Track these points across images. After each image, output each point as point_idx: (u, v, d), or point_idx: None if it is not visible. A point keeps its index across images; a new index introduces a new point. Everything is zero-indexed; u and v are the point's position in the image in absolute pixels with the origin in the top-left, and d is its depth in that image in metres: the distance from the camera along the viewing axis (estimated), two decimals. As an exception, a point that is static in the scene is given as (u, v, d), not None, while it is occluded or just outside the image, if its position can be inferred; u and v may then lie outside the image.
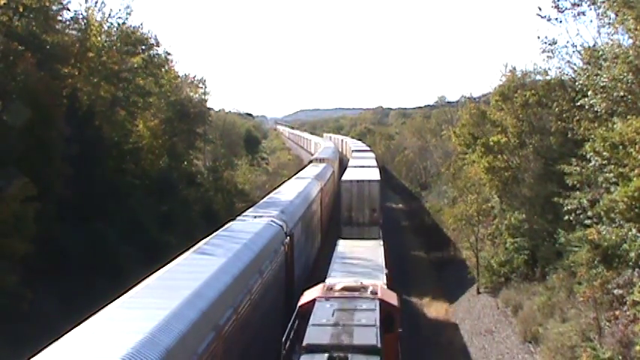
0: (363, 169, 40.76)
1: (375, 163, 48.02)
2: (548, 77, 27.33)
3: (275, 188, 36.14)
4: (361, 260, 22.37)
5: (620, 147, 17.40)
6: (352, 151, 67.98)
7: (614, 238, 17.97)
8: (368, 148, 73.04)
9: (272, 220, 21.96)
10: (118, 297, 12.17)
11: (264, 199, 29.33)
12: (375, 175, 36.77)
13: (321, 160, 51.89)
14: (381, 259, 22.46)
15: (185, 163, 42.98)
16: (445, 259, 38.25)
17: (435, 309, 29.61)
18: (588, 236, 18.94)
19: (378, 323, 13.93)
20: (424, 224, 47.38)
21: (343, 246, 25.48)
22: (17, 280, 17.48)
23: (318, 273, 27.55)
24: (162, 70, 38.31)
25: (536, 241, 25.69)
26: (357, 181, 33.22)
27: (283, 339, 14.69)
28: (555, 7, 23.45)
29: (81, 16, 30.92)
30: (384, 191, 42.32)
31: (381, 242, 26.37)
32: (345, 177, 35.45)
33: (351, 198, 32.43)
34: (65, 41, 28.11)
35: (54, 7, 26.91)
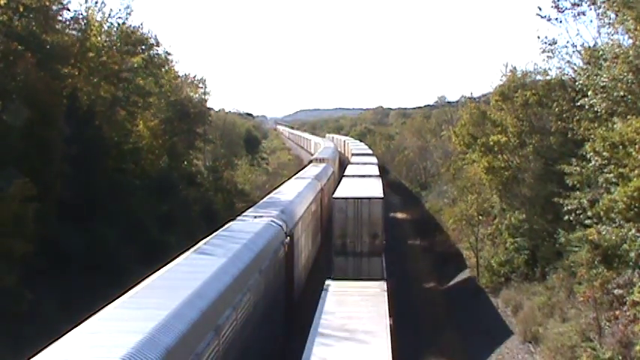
0: (363, 180, 34.06)
1: (376, 171, 40.10)
2: (548, 77, 27.37)
3: (275, 188, 36.11)
4: (353, 327, 15.28)
5: (620, 147, 17.41)
6: (352, 154, 60.18)
7: (614, 238, 17.98)
8: (369, 151, 65.89)
9: (272, 220, 21.96)
10: (118, 297, 12.16)
11: (264, 199, 29.31)
12: (376, 189, 29.82)
13: (321, 160, 51.90)
14: (384, 335, 14.64)
15: (185, 163, 42.96)
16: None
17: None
18: (588, 236, 18.96)
19: None
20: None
21: (332, 295, 18.16)
22: (17, 280, 17.49)
23: (317, 274, 27.58)
24: (163, 70, 38.31)
25: (536, 241, 25.72)
26: (355, 199, 26.34)
27: None
28: (555, 7, 23.50)
29: (81, 16, 30.91)
30: (387, 200, 35.86)
31: (384, 287, 19.29)
32: (338, 193, 28.34)
33: (346, 220, 25.76)
34: (65, 41, 28.10)
35: (54, 7, 26.91)
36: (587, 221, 19.77)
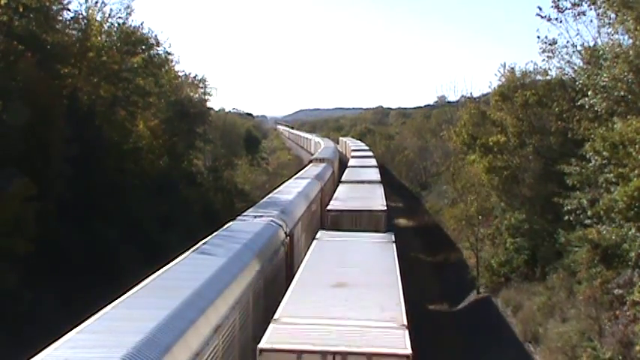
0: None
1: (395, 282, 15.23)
2: (548, 77, 27.38)
3: (275, 188, 36.08)
4: None
5: (620, 147, 17.43)
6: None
7: (614, 237, 17.99)
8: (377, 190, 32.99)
9: (272, 220, 21.94)
10: (118, 297, 12.16)
11: (264, 199, 29.28)
12: None
13: (321, 160, 51.85)
14: None
15: (185, 163, 42.98)
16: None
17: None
18: (588, 235, 18.96)
19: None
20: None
21: None
22: (17, 280, 17.49)
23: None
24: (163, 70, 38.33)
25: (536, 241, 25.70)
26: None
27: None
28: (555, 7, 23.53)
29: (81, 16, 30.96)
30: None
31: None
32: None
33: None
34: (65, 41, 28.15)
35: (54, 7, 26.95)
36: (587, 221, 19.77)
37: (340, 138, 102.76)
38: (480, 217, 30.71)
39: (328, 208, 25.04)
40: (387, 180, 60.12)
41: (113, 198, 26.67)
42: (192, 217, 35.88)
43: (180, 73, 44.51)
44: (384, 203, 26.04)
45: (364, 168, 46.52)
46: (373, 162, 54.11)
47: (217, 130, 57.57)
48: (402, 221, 50.22)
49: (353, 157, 61.05)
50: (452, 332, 25.92)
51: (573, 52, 23.80)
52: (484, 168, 28.40)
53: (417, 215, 51.63)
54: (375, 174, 41.98)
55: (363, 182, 35.93)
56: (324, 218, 25.87)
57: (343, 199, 28.85)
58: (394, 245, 18.36)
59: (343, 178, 38.62)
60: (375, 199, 28.04)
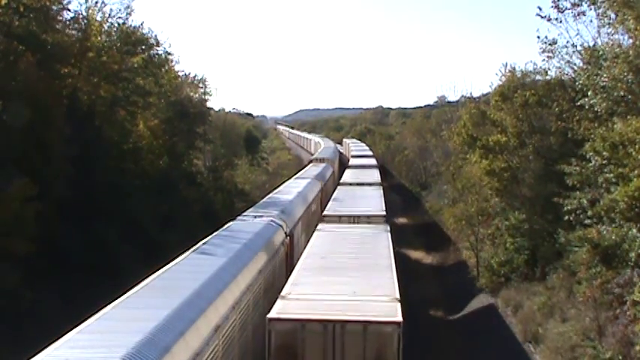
0: None
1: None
2: (548, 77, 27.40)
3: (275, 188, 36.08)
4: None
5: (620, 147, 17.44)
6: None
7: (613, 237, 17.98)
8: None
9: (272, 220, 21.95)
10: (118, 297, 12.17)
11: (264, 199, 29.30)
12: None
13: (321, 160, 51.85)
14: None
15: (185, 163, 42.97)
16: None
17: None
18: (588, 235, 18.96)
19: None
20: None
21: None
22: (17, 279, 17.50)
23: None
24: (163, 70, 38.31)
25: (536, 241, 25.72)
26: None
27: None
28: (555, 7, 23.54)
29: (81, 16, 30.94)
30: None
31: None
32: None
33: None
34: (65, 41, 28.16)
35: (54, 7, 26.97)
36: (587, 221, 19.77)
37: (344, 140, 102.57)
38: (479, 217, 30.72)
39: (271, 315, 12.10)
40: (390, 183, 60.00)
41: (113, 198, 26.66)
42: (192, 217, 35.86)
43: (180, 73, 44.50)
44: (397, 295, 13.15)
45: (362, 186, 35.13)
46: (375, 175, 41.39)
47: (217, 130, 57.51)
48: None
49: (351, 166, 51.49)
50: None
51: (573, 52, 23.84)
52: (484, 171, 28.41)
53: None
54: (377, 199, 29.28)
55: (359, 218, 24.38)
56: (265, 335, 12.02)
57: (312, 276, 15.17)
58: None
59: (329, 211, 25.98)
60: (380, 278, 14.64)
